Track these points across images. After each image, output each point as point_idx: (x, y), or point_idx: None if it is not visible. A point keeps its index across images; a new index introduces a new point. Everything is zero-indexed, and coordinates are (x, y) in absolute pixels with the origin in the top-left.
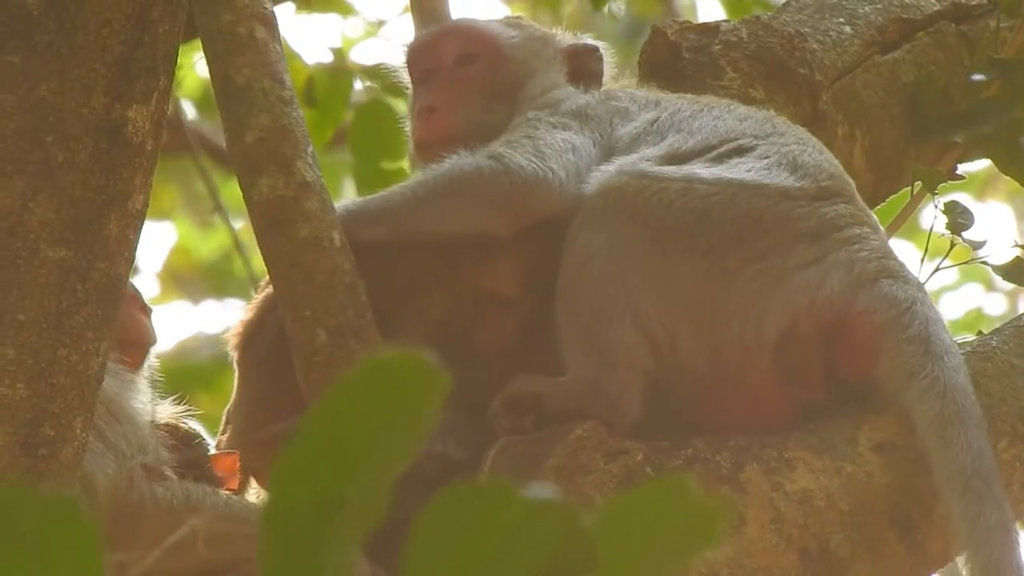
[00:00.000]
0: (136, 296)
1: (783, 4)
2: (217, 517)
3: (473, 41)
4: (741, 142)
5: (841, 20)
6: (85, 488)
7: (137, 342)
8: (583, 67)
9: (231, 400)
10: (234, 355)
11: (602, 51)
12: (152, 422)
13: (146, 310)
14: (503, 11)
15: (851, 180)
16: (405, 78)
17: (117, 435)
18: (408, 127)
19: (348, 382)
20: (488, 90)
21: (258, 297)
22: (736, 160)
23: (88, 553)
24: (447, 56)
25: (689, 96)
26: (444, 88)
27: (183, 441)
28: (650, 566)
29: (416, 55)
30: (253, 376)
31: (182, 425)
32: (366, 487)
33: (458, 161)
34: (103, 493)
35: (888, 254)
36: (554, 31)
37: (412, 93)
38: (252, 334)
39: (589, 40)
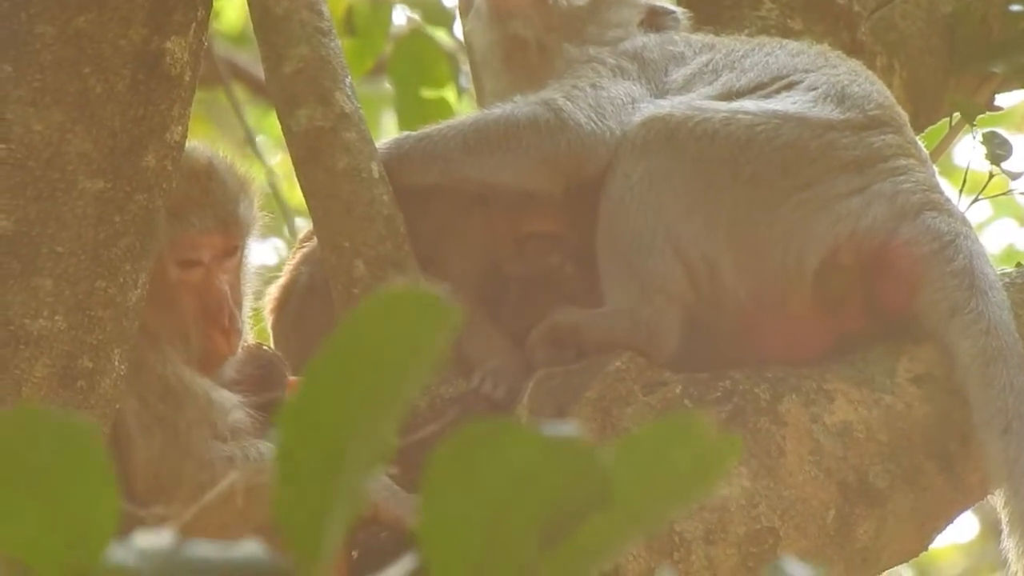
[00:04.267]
0: (221, 312)
1: None
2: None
3: None
4: (792, 78)
5: None
6: (122, 459)
7: (213, 357)
8: (659, 24)
9: None
10: (269, 319)
11: (679, 15)
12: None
13: (230, 330)
14: None
15: (902, 112)
16: None
17: (177, 416)
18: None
19: (357, 318)
20: None
21: (292, 260)
22: (785, 94)
23: (100, 479)
24: None
25: (743, 37)
26: None
27: (262, 364)
28: (661, 502)
29: None
30: (286, 342)
31: (263, 348)
32: (374, 424)
33: (514, 109)
34: (141, 465)
35: (933, 187)
36: None
37: None
38: (285, 298)
39: (668, 5)
